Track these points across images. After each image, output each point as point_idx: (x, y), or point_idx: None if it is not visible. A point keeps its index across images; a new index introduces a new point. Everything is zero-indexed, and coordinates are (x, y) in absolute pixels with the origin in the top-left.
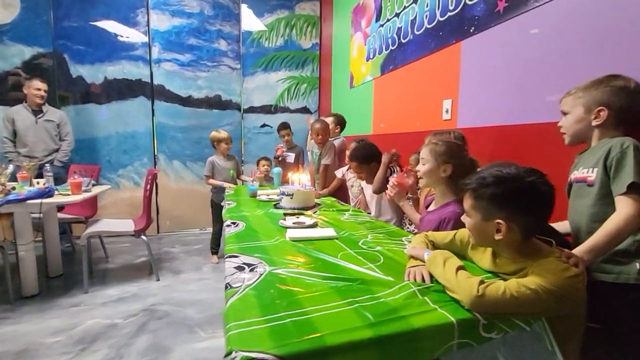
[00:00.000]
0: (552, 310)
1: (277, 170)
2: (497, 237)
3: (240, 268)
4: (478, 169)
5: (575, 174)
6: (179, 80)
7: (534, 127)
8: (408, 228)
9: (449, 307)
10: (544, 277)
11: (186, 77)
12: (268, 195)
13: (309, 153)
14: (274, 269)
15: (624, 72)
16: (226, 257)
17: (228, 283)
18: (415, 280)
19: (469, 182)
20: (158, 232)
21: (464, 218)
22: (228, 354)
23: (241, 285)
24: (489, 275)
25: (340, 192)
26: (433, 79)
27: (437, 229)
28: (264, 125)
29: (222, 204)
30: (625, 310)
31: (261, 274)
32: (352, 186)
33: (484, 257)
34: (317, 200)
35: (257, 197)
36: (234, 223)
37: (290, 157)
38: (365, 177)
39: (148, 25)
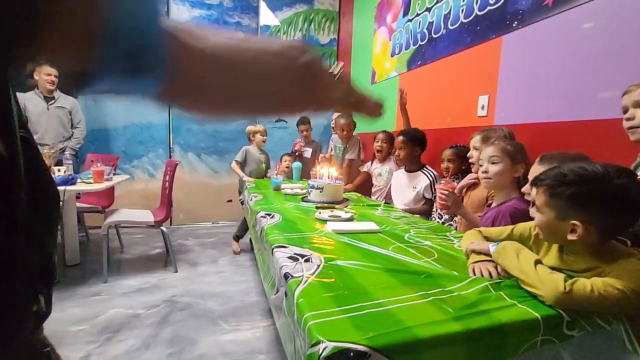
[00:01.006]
0: (636, 310)
1: (296, 164)
2: (571, 237)
3: (293, 258)
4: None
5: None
6: None
7: (584, 123)
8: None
9: (528, 302)
10: (630, 278)
11: None
12: (292, 189)
13: (330, 148)
14: (330, 260)
15: None
16: (274, 247)
17: (288, 272)
18: (482, 276)
19: (544, 178)
20: (171, 224)
21: (534, 213)
22: (315, 343)
23: (302, 275)
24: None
25: (363, 188)
26: (467, 74)
27: (492, 225)
28: (279, 120)
29: (240, 198)
30: None
31: (318, 265)
32: (380, 175)
33: (548, 253)
34: (344, 195)
35: (282, 191)
36: (269, 214)
37: (308, 152)
38: (403, 157)
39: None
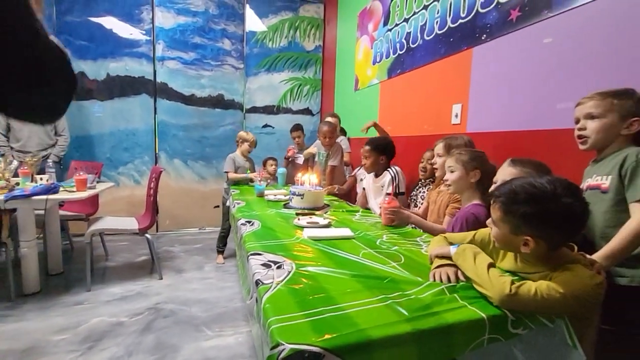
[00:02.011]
0: (574, 312)
1: (281, 170)
2: (524, 250)
3: (266, 265)
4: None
5: (589, 182)
6: (182, 79)
7: (544, 133)
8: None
9: (478, 303)
10: (573, 284)
11: (189, 76)
12: (275, 195)
13: (315, 154)
14: (300, 267)
15: (633, 84)
16: (250, 255)
17: (259, 279)
18: (441, 281)
19: (499, 195)
20: (157, 231)
21: (490, 225)
22: (275, 345)
23: (272, 282)
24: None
25: (351, 194)
26: (443, 83)
27: (451, 229)
28: (265, 126)
29: (227, 204)
30: (638, 313)
31: (289, 272)
32: (362, 180)
33: (505, 258)
34: (325, 201)
35: (265, 197)
36: (248, 222)
37: (300, 158)
38: (368, 165)
39: (152, 22)
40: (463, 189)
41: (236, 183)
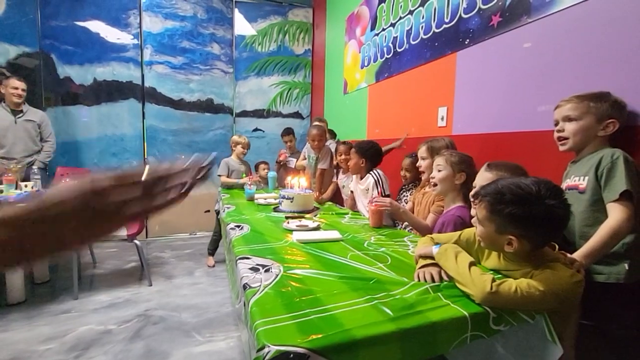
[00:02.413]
0: (553, 308)
1: (272, 174)
2: (508, 249)
3: (254, 269)
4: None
5: (567, 182)
6: (170, 83)
7: (526, 135)
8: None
9: (461, 302)
10: (552, 282)
11: (178, 80)
12: (265, 199)
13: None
14: (288, 270)
15: (609, 87)
16: (238, 259)
17: (246, 283)
18: (425, 281)
19: (485, 194)
20: (147, 237)
21: (475, 223)
22: (261, 348)
23: (260, 285)
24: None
25: (337, 197)
26: (429, 87)
27: (441, 230)
28: (256, 130)
29: (216, 208)
30: (615, 308)
31: (277, 275)
32: (343, 187)
33: (490, 257)
34: (315, 204)
35: (255, 201)
36: (238, 226)
37: (292, 162)
38: (352, 167)
39: (140, 27)
40: (448, 190)
41: (229, 187)
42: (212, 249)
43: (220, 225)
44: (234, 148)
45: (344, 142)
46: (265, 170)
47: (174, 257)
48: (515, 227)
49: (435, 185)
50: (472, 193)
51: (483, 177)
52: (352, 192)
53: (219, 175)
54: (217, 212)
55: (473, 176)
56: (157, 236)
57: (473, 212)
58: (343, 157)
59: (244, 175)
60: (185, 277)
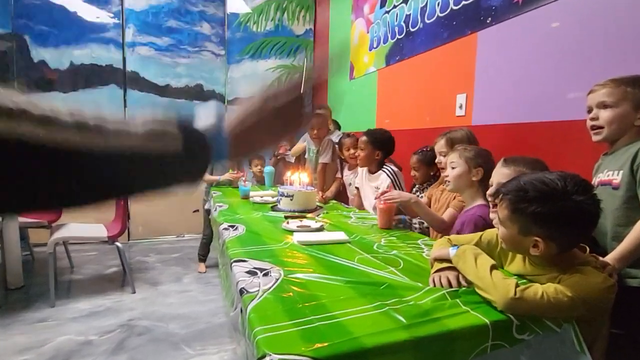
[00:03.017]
0: (582, 316)
1: (269, 169)
2: (533, 252)
3: (252, 273)
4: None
5: (599, 177)
6: (155, 67)
7: (554, 125)
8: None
9: (481, 308)
10: (583, 287)
11: (164, 64)
12: (262, 197)
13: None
14: (289, 274)
15: None
16: (233, 262)
17: (243, 288)
18: (442, 286)
19: (507, 191)
20: (129, 239)
21: (497, 225)
22: (261, 357)
23: (258, 290)
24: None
25: (342, 196)
26: (446, 71)
27: (460, 231)
28: None
29: (206, 207)
30: None
31: (277, 279)
32: (350, 184)
33: (513, 261)
34: (318, 203)
35: (250, 199)
36: (232, 226)
37: (289, 156)
38: (362, 157)
39: (122, 4)
40: (463, 188)
41: (216, 185)
42: (203, 255)
43: (211, 227)
44: None
45: (348, 135)
46: (258, 167)
47: (159, 261)
48: (540, 227)
49: (449, 182)
50: (489, 191)
51: (500, 174)
52: (357, 188)
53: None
54: (208, 212)
55: (491, 171)
56: (141, 238)
57: (492, 214)
58: (351, 151)
59: (231, 170)
60: (172, 284)
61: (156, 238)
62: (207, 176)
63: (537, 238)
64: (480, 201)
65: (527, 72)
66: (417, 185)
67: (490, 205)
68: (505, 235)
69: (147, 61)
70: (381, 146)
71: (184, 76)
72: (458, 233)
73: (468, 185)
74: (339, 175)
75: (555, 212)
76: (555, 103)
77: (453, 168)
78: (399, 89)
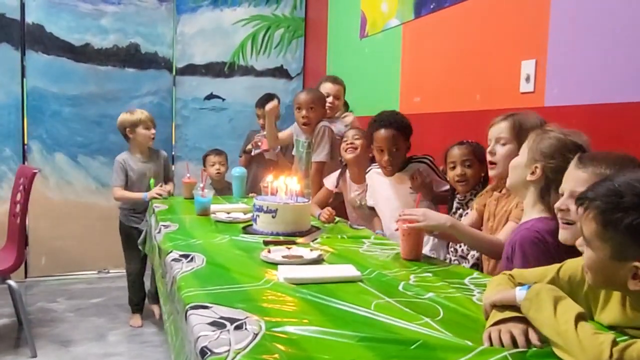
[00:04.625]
0: None
1: (238, 172)
2: (634, 286)
3: (218, 325)
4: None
5: None
6: (68, 19)
7: None
8: (458, 260)
9: None
10: None
11: (81, 14)
12: (229, 214)
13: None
14: (274, 327)
15: None
16: (189, 309)
17: (206, 347)
18: (502, 345)
19: (593, 196)
20: (26, 276)
21: (581, 246)
22: None
23: (228, 351)
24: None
25: (342, 211)
26: (505, 27)
27: (508, 264)
28: (211, 97)
29: (140, 227)
30: None
31: (255, 334)
32: (360, 206)
33: (607, 305)
34: (313, 223)
35: (212, 216)
36: (185, 256)
37: (271, 152)
38: (391, 160)
39: None
40: (519, 184)
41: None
42: (138, 301)
43: (140, 258)
44: (130, 134)
45: (387, 121)
46: (217, 168)
47: (72, 309)
48: None
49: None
50: (559, 203)
51: (572, 178)
52: (371, 208)
53: (115, 187)
54: (141, 235)
55: (561, 170)
56: (45, 275)
57: (563, 231)
58: (359, 151)
59: (153, 181)
60: (92, 344)
61: (67, 275)
62: (120, 192)
63: (637, 264)
64: (540, 212)
65: (628, 28)
66: (458, 196)
67: (560, 222)
68: (591, 261)
69: (55, 10)
70: (409, 133)
71: (111, 32)
72: (509, 261)
73: (523, 184)
74: (329, 184)
75: None
76: None
77: (503, 144)
78: (434, 52)
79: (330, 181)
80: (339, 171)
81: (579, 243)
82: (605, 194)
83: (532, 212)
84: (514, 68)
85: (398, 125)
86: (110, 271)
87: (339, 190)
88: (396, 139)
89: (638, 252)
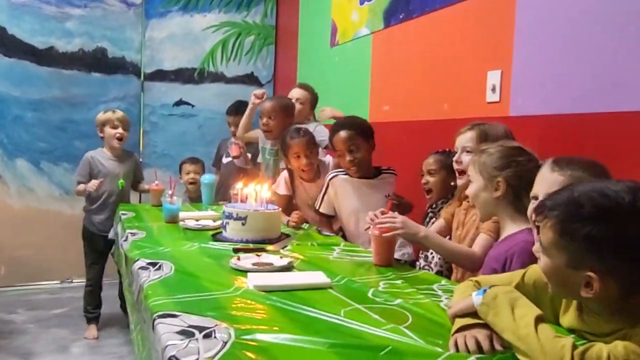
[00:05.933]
0: None
1: (207, 179)
2: (585, 293)
3: (186, 334)
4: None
5: None
6: (31, 21)
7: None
8: (429, 268)
9: None
10: None
11: (45, 16)
12: (198, 221)
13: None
14: (244, 335)
15: None
16: (157, 318)
17: (174, 357)
18: (467, 351)
19: (552, 206)
20: None
21: (537, 252)
22: None
23: None
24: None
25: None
26: (472, 37)
27: (503, 269)
28: (180, 103)
29: (108, 235)
30: None
31: (225, 342)
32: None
33: (568, 310)
34: (284, 230)
35: (181, 224)
36: (153, 264)
37: (240, 160)
38: (358, 162)
39: None
40: (493, 209)
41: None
42: (94, 310)
43: (98, 267)
44: (100, 133)
45: (297, 130)
46: (191, 176)
47: (33, 321)
48: (597, 257)
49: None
50: (531, 208)
51: (548, 181)
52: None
53: (78, 181)
54: (108, 241)
55: (524, 174)
56: (4, 286)
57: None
58: (304, 161)
59: (122, 182)
60: (54, 356)
61: (29, 285)
62: (81, 186)
63: (590, 273)
64: (520, 225)
65: (593, 37)
66: (430, 207)
67: (535, 229)
68: (548, 268)
69: (19, 11)
70: (369, 134)
71: (77, 35)
72: (502, 269)
73: (496, 206)
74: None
75: (618, 237)
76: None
77: (469, 153)
78: (403, 61)
79: (281, 187)
80: (284, 176)
81: (536, 249)
82: (564, 203)
83: (512, 226)
84: (480, 78)
85: (355, 127)
86: (74, 281)
87: (289, 193)
88: (354, 139)
89: (592, 262)
